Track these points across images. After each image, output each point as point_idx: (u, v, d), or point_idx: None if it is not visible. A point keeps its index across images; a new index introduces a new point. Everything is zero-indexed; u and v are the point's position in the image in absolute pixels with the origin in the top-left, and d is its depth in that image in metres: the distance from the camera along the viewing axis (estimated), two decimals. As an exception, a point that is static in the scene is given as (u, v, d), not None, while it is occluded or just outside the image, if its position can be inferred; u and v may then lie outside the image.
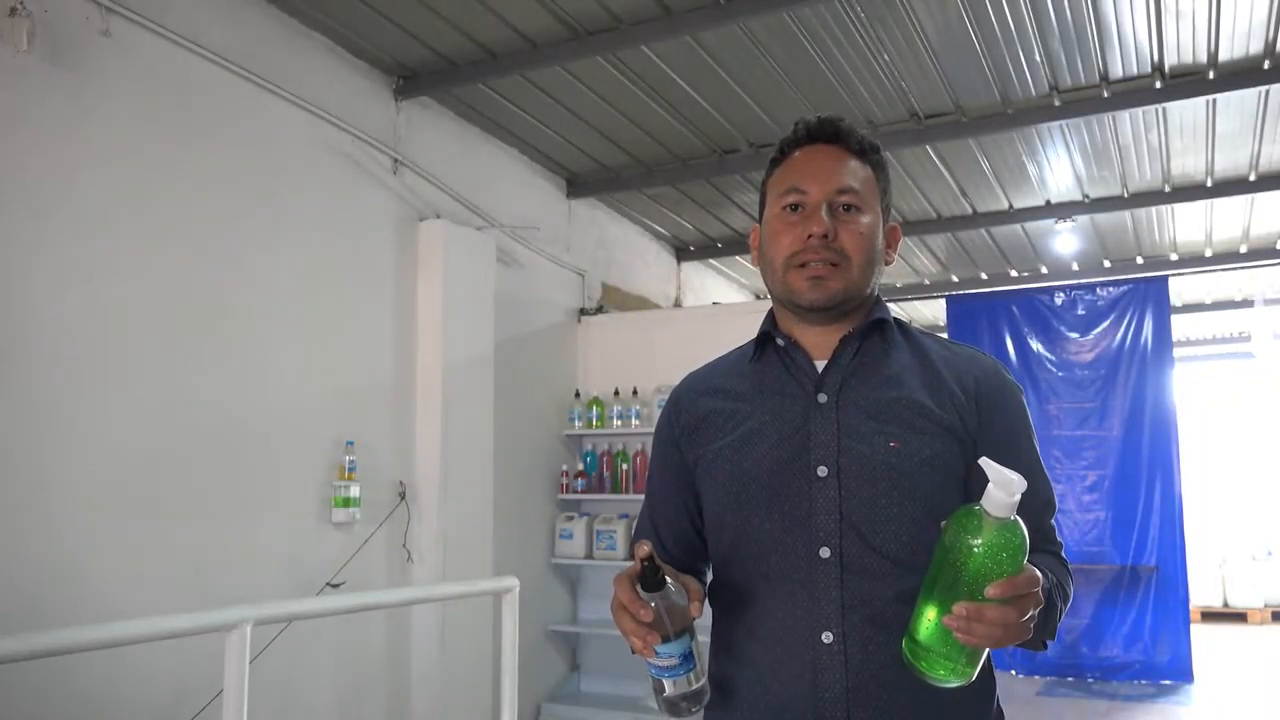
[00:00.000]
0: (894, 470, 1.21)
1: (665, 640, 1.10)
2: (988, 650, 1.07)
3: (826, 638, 1.18)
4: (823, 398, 1.26)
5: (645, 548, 1.10)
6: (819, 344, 1.31)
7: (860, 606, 1.18)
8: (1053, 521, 1.28)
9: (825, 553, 1.20)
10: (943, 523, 1.03)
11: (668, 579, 1.10)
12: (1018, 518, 1.00)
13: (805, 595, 1.20)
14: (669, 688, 1.14)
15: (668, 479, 1.39)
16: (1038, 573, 1.02)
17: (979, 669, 1.07)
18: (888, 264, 1.35)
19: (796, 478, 1.23)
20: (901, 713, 1.17)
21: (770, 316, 1.37)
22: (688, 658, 1.12)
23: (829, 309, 1.28)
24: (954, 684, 1.07)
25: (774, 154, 1.36)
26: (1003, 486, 0.98)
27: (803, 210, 1.28)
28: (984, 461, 1.00)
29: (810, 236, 1.25)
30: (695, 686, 1.14)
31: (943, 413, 1.24)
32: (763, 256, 1.34)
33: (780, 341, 1.32)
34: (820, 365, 1.29)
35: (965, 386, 1.27)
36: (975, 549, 0.99)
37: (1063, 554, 1.28)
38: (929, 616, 1.05)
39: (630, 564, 1.15)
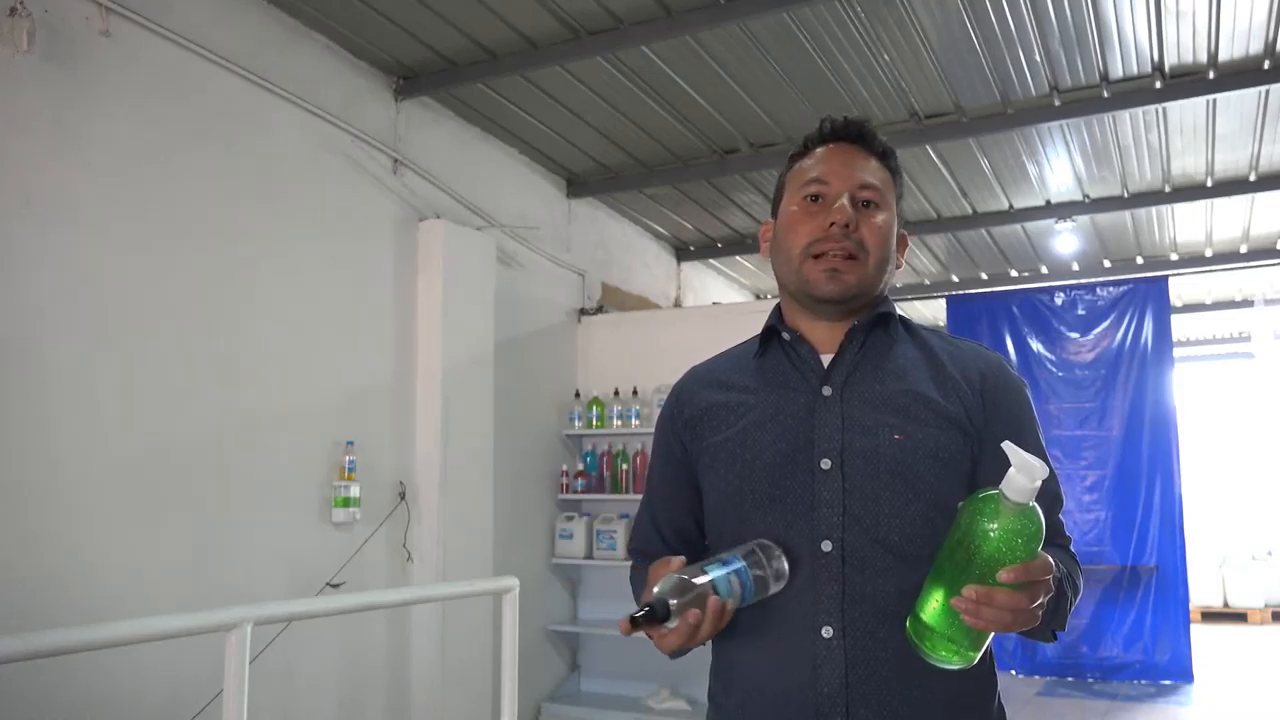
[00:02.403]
0: (898, 463, 1.20)
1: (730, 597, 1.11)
2: (991, 638, 1.07)
3: (826, 632, 1.18)
4: (827, 390, 1.26)
5: (625, 625, 1.07)
6: (825, 338, 1.31)
7: (861, 601, 1.18)
8: (1061, 516, 1.28)
9: (827, 546, 1.19)
10: (960, 504, 1.03)
11: (669, 602, 1.07)
12: (1035, 504, 0.99)
13: (806, 589, 1.19)
14: (751, 587, 1.14)
15: (669, 472, 1.38)
16: (1051, 560, 1.02)
17: (981, 655, 1.07)
18: (898, 268, 1.36)
19: (799, 470, 1.23)
20: (901, 709, 1.17)
21: (777, 310, 1.36)
22: (736, 573, 1.12)
23: (843, 302, 1.28)
24: (956, 666, 1.06)
25: (795, 150, 1.37)
26: (1025, 471, 0.97)
27: (824, 201, 1.29)
28: (1007, 445, 0.99)
29: (832, 225, 1.26)
30: (772, 567, 1.15)
31: (948, 405, 1.24)
32: (777, 248, 1.34)
33: (785, 335, 1.32)
34: (826, 359, 1.29)
35: (970, 380, 1.27)
36: (991, 533, 0.98)
37: (1071, 548, 1.28)
38: (937, 597, 1.04)
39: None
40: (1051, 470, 1.26)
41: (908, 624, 1.09)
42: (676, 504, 1.37)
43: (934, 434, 1.22)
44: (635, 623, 1.06)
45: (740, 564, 1.14)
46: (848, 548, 1.19)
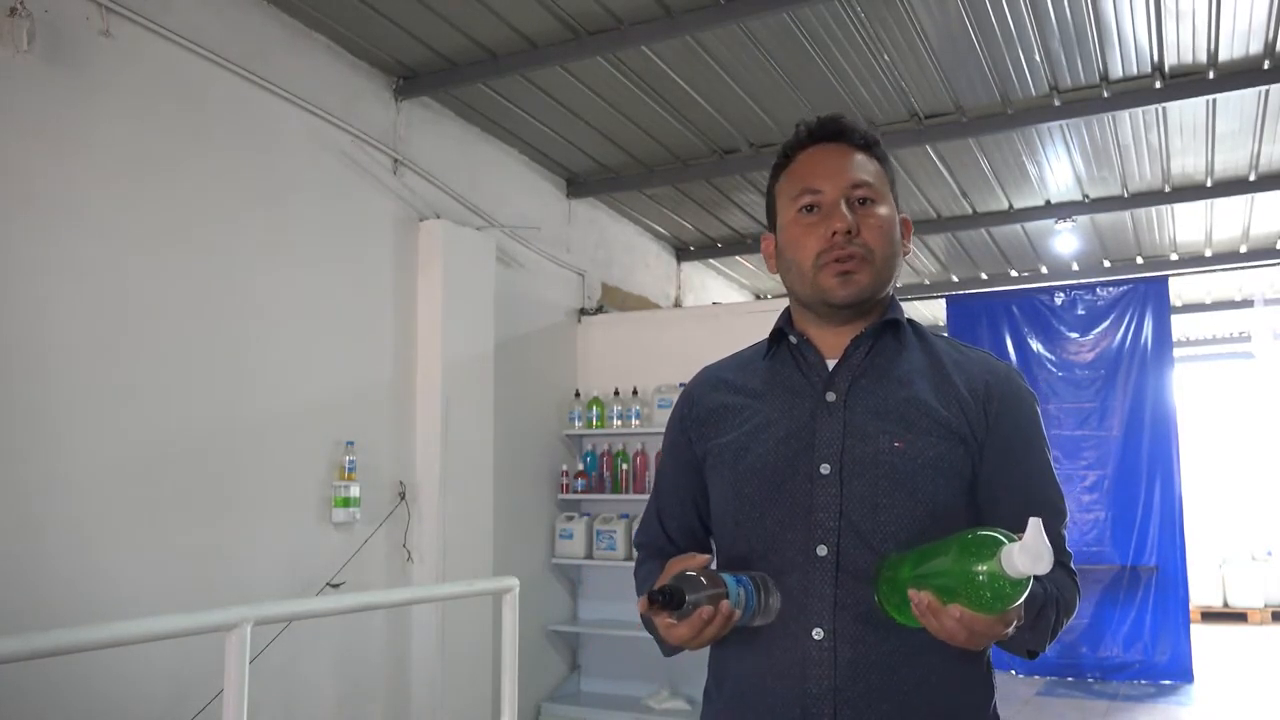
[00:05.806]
0: (897, 470, 1.20)
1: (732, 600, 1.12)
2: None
3: (817, 634, 1.19)
4: (831, 396, 1.26)
5: (644, 602, 1.10)
6: (833, 343, 1.31)
7: (853, 605, 1.18)
8: (1063, 530, 1.27)
9: (822, 550, 1.20)
10: (984, 531, 1.02)
11: (684, 593, 1.09)
12: (1029, 580, 0.99)
13: (800, 592, 1.20)
14: (759, 614, 1.16)
15: (677, 470, 1.40)
16: (1009, 624, 1.04)
17: (979, 661, 1.11)
18: (905, 255, 1.35)
19: (798, 475, 1.23)
20: (888, 713, 1.17)
21: (786, 314, 1.36)
22: (745, 590, 1.14)
23: (858, 304, 1.28)
24: (898, 622, 1.12)
25: (777, 159, 1.36)
26: (1028, 554, 0.95)
27: (820, 210, 1.27)
28: (1033, 522, 0.96)
29: (835, 234, 1.25)
30: (768, 602, 1.17)
31: (949, 415, 1.24)
32: (783, 262, 1.33)
33: (793, 339, 1.33)
34: (832, 364, 1.29)
35: (975, 390, 1.26)
36: (971, 572, 1.00)
37: (1070, 564, 1.27)
38: (909, 567, 1.09)
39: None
40: (1056, 485, 1.27)
41: (879, 564, 1.14)
42: (683, 501, 1.39)
43: (934, 443, 1.22)
44: (653, 600, 1.08)
45: (750, 585, 1.15)
46: (842, 553, 1.20)
